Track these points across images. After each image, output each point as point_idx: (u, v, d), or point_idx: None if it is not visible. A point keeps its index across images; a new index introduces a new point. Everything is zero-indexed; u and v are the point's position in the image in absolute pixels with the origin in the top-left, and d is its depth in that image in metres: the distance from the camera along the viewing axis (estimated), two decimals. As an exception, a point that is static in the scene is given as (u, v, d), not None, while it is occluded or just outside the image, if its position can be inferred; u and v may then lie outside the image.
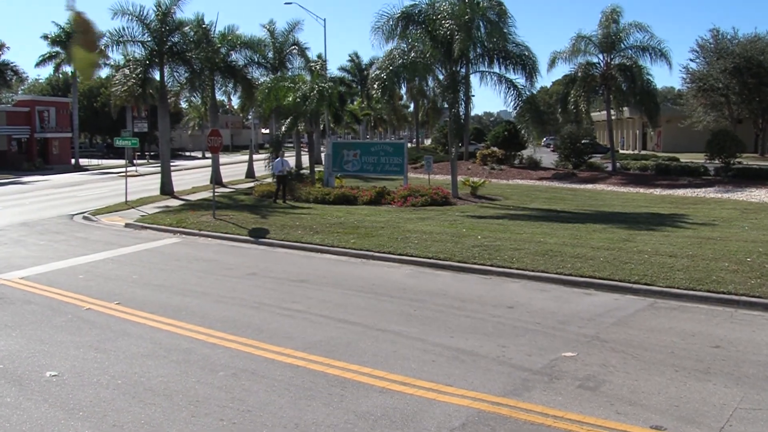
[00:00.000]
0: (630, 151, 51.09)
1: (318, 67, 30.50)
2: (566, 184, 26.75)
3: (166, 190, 22.94)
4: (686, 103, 44.23)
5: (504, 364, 5.90)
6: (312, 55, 35.38)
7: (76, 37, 2.89)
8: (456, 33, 17.98)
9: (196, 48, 23.37)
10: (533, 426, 4.66)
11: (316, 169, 26.48)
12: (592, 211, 17.47)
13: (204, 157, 53.68)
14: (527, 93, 19.35)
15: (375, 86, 19.57)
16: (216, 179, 23.48)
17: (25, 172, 37.52)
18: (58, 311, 7.88)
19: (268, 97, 24.31)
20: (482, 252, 10.73)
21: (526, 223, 14.28)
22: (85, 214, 17.70)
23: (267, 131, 52.81)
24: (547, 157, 35.31)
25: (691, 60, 43.02)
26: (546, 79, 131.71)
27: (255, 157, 33.71)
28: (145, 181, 29.13)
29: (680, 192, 22.90)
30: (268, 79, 27.46)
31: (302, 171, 26.96)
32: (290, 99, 23.59)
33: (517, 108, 19.69)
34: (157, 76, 23.37)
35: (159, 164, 25.56)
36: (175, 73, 23.59)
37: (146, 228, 15.26)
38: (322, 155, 30.17)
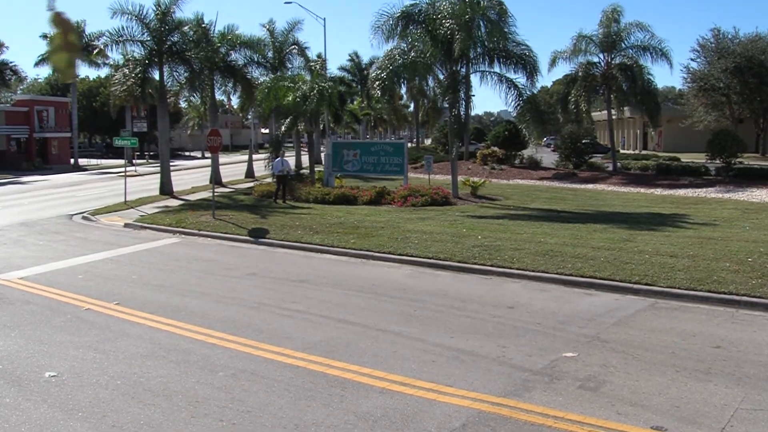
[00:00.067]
0: (631, 151, 51.08)
1: (318, 67, 30.53)
2: (567, 184, 26.72)
3: (166, 190, 22.92)
4: (687, 103, 44.21)
5: (504, 365, 5.88)
6: (312, 54, 35.41)
7: (55, 37, 2.88)
8: (456, 32, 17.96)
9: (195, 47, 23.35)
10: (534, 426, 4.64)
11: (315, 168, 26.46)
12: (593, 211, 17.46)
13: (203, 157, 53.66)
14: (528, 92, 19.33)
15: (375, 86, 19.55)
16: (215, 179, 23.46)
17: (24, 171, 37.48)
18: (57, 311, 7.86)
19: (268, 96, 24.29)
20: (482, 252, 10.72)
21: (527, 223, 14.26)
22: (85, 214, 17.68)
23: (267, 131, 52.76)
24: (548, 157, 35.29)
25: (692, 59, 43.05)
26: (546, 78, 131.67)
27: (255, 156, 33.68)
28: (145, 181, 29.11)
29: (681, 192, 22.88)
30: (267, 79, 27.44)
31: (302, 171, 26.97)
32: (290, 99, 23.57)
33: (518, 108, 19.66)
34: (157, 76, 23.35)
35: (158, 164, 25.55)
36: (174, 73, 23.58)
37: (145, 228, 15.25)
38: (322, 155, 30.16)
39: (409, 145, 47.99)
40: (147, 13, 22.10)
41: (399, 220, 14.69)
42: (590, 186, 25.97)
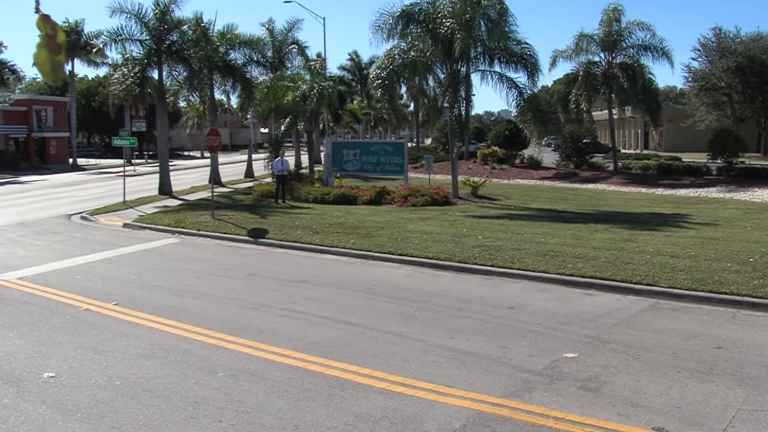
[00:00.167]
0: (632, 151, 51.08)
1: (317, 66, 30.47)
2: (567, 184, 26.70)
3: (165, 189, 22.89)
4: (688, 103, 44.21)
5: (505, 365, 5.87)
6: (311, 54, 35.35)
7: (42, 39, 2.87)
8: (457, 32, 17.94)
9: (194, 47, 23.31)
10: (534, 427, 4.63)
11: (315, 168, 26.43)
12: (594, 211, 17.43)
13: (203, 157, 53.66)
14: (529, 92, 19.26)
15: (375, 85, 19.52)
16: (215, 179, 23.43)
17: (22, 171, 37.44)
18: (56, 312, 7.84)
19: (267, 96, 24.24)
20: (483, 252, 10.70)
21: (527, 223, 14.24)
22: (83, 214, 17.64)
23: (266, 131, 52.74)
24: (549, 157, 35.26)
25: (693, 59, 43.14)
26: (547, 78, 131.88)
27: (254, 156, 33.65)
28: (144, 180, 29.08)
29: (682, 192, 22.84)
30: (267, 78, 27.40)
31: (302, 171, 26.92)
32: (289, 98, 23.53)
33: (519, 107, 19.61)
34: (156, 75, 23.30)
35: (157, 164, 25.53)
36: (173, 72, 23.54)
37: (144, 228, 15.22)
38: (322, 155, 30.12)
39: (409, 144, 47.96)
40: (146, 12, 22.08)
41: (399, 220, 14.66)
42: (591, 186, 25.94)
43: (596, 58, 30.48)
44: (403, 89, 51.26)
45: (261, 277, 9.86)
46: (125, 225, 15.79)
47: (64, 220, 17.03)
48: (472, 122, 56.28)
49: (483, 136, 48.08)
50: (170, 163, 25.73)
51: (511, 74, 19.28)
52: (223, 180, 27.96)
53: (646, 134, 56.29)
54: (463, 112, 19.78)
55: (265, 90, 24.58)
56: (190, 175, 33.41)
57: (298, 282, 9.44)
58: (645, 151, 48.15)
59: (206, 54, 23.79)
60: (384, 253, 11.11)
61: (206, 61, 24.14)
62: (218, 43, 26.01)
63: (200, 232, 14.12)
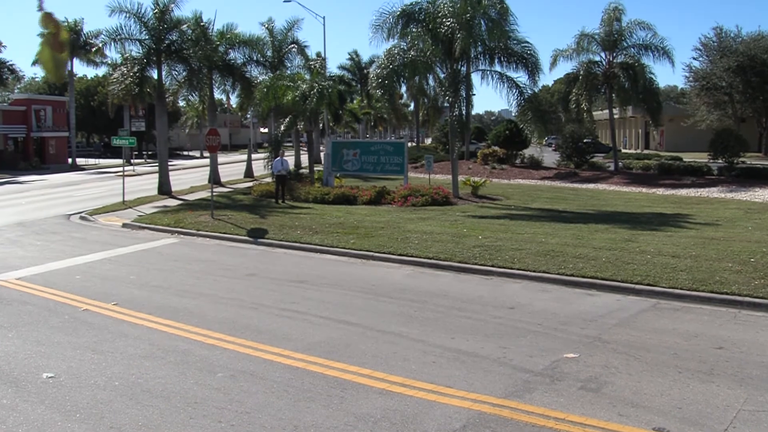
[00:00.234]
0: (632, 151, 51.06)
1: (317, 66, 30.46)
2: (568, 184, 26.68)
3: (164, 189, 22.87)
4: (689, 102, 44.17)
5: (505, 366, 5.85)
6: (311, 53, 35.34)
7: (45, 37, 2.87)
8: (457, 31, 17.92)
9: (194, 46, 23.28)
10: (535, 428, 4.62)
11: (315, 168, 26.40)
12: (594, 211, 17.42)
13: (202, 157, 53.63)
14: (529, 91, 19.23)
15: (375, 85, 19.50)
16: (214, 179, 23.39)
17: (21, 171, 37.40)
18: (54, 312, 7.82)
19: (267, 95, 24.21)
20: (483, 252, 10.68)
21: (528, 223, 14.22)
22: (82, 214, 17.62)
23: (266, 130, 52.75)
24: (549, 157, 35.24)
25: (694, 58, 43.06)
26: (548, 77, 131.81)
27: (254, 156, 33.62)
28: (143, 180, 29.05)
29: (683, 192, 22.83)
30: (266, 78, 27.37)
31: (301, 170, 26.89)
32: (289, 98, 23.50)
33: (519, 106, 19.57)
34: (155, 75, 23.27)
35: (157, 164, 25.50)
36: (173, 72, 23.52)
37: (144, 228, 15.20)
38: (322, 154, 30.10)
39: (410, 144, 47.92)
40: (145, 12, 22.06)
41: (399, 220, 14.65)
42: (592, 186, 25.92)
43: (597, 58, 30.47)
44: (403, 89, 51.24)
45: (260, 277, 9.84)
46: (124, 225, 15.77)
47: (63, 220, 17.00)
48: (473, 122, 56.29)
49: (483, 136, 48.02)
50: (169, 163, 25.72)
51: (512, 74, 19.28)
52: (223, 180, 27.93)
53: (646, 134, 56.28)
54: (463, 112, 19.77)
55: (265, 90, 24.55)
56: (189, 174, 33.39)
57: (298, 282, 9.42)
58: (646, 151, 48.14)
59: (206, 53, 23.77)
60: (384, 253, 11.09)
61: (206, 61, 24.12)
62: (218, 43, 25.98)
63: (200, 232, 14.10)
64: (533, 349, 6.31)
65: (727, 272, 8.91)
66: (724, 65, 37.41)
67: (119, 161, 35.82)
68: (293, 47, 31.66)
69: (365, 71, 45.36)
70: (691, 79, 42.31)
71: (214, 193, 17.85)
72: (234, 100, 38.44)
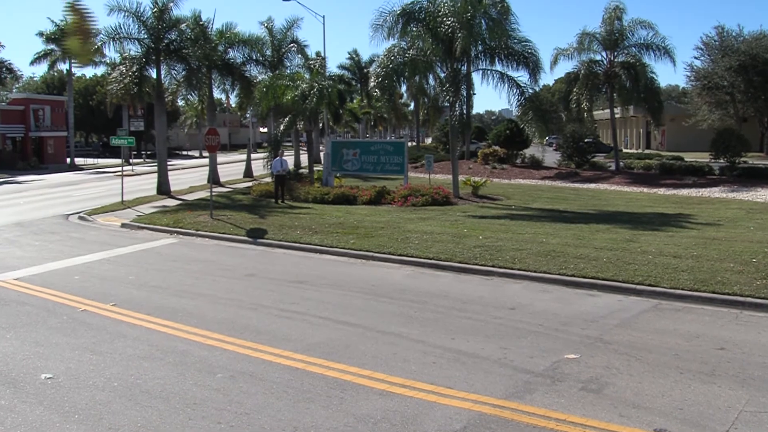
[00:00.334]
0: (634, 150, 51.01)
1: (317, 65, 30.40)
2: (569, 184, 26.67)
3: (163, 189, 22.84)
4: (691, 102, 44.13)
5: (506, 366, 5.83)
6: (311, 52, 35.30)
7: (72, 25, 2.87)
8: (458, 30, 17.90)
9: (193, 45, 23.25)
10: (535, 429, 4.60)
11: (315, 168, 26.38)
12: (595, 211, 17.40)
13: (201, 157, 53.62)
14: (530, 91, 19.19)
15: (375, 84, 19.47)
16: (213, 179, 23.36)
17: (20, 171, 37.37)
18: (53, 312, 7.79)
19: (267, 95, 24.18)
20: (484, 252, 10.66)
21: (529, 224, 14.20)
22: (81, 214, 17.59)
23: (265, 130, 52.71)
24: (550, 156, 35.23)
25: (695, 58, 42.87)
26: (549, 77, 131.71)
27: (253, 156, 33.59)
28: (142, 180, 29.02)
29: (684, 192, 22.81)
30: (266, 77, 27.34)
31: (301, 170, 26.86)
32: (289, 97, 23.47)
33: (520, 106, 19.54)
34: (154, 74, 23.25)
35: (155, 163, 25.47)
36: (172, 71, 23.50)
37: (143, 228, 15.17)
38: (321, 154, 30.07)
39: (410, 144, 47.90)
40: (144, 11, 22.04)
41: (399, 220, 14.62)
42: (593, 185, 25.91)
43: (598, 57, 30.45)
44: (404, 88, 51.23)
45: (260, 278, 9.82)
46: (123, 225, 15.74)
47: (62, 220, 16.97)
48: (473, 121, 56.19)
49: (484, 136, 48.02)
50: (169, 163, 25.69)
51: (513, 73, 19.25)
52: (222, 180, 27.91)
53: (648, 134, 56.26)
54: (464, 111, 19.72)
55: (264, 89, 24.51)
56: (188, 174, 33.37)
57: (297, 282, 9.39)
58: (647, 151, 48.10)
59: (205, 53, 23.74)
60: (384, 253, 11.07)
61: (205, 60, 24.09)
62: (217, 42, 25.95)
63: (199, 233, 14.07)
64: (534, 349, 6.29)
65: (729, 273, 8.89)
66: (725, 64, 37.35)
67: (118, 161, 35.81)
68: (293, 46, 31.63)
69: (365, 71, 45.34)
70: (692, 78, 42.25)
71: (214, 193, 17.83)
72: (233, 100, 38.40)
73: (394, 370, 5.74)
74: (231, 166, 37.28)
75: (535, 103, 19.42)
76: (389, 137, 67.83)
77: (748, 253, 10.15)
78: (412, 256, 10.75)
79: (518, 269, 9.64)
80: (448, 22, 18.25)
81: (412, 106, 62.40)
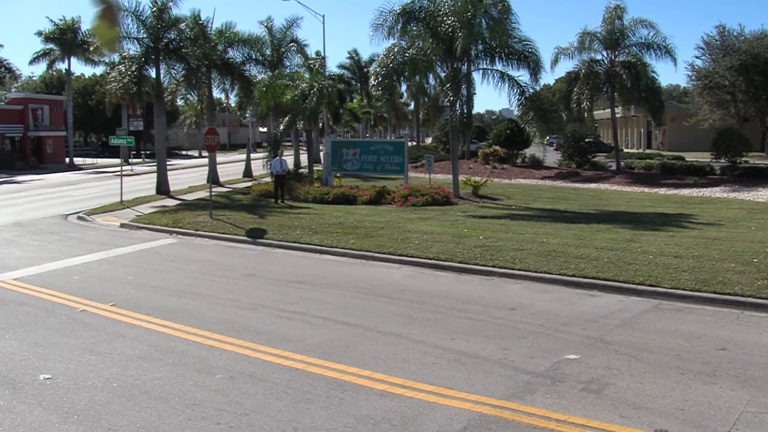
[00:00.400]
0: (634, 150, 50.97)
1: (317, 65, 30.40)
2: (570, 184, 26.65)
3: (162, 189, 22.81)
4: (692, 101, 44.01)
5: (506, 367, 5.81)
6: (311, 52, 35.28)
7: (99, 12, 2.87)
8: (458, 30, 17.88)
9: (192, 45, 23.23)
10: (536, 430, 4.59)
11: (314, 168, 26.35)
12: (596, 210, 17.38)
13: (201, 156, 53.59)
14: (531, 90, 19.17)
15: (375, 83, 19.45)
16: (213, 178, 23.31)
17: (18, 171, 37.34)
18: (52, 313, 7.78)
19: (266, 94, 24.16)
20: (484, 252, 10.64)
21: (529, 224, 14.18)
22: (80, 214, 17.56)
23: (265, 130, 52.68)
24: (550, 156, 35.20)
25: (696, 57, 42.65)
26: (549, 76, 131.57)
27: (253, 156, 33.57)
28: (141, 180, 29.00)
29: (685, 191, 22.79)
30: (266, 77, 27.31)
31: (301, 170, 26.84)
32: (288, 97, 23.45)
33: (520, 106, 19.51)
34: (153, 74, 23.23)
35: (155, 163, 25.45)
36: (171, 71, 23.47)
37: (142, 228, 15.14)
38: (321, 154, 30.05)
39: (410, 143, 47.89)
40: (143, 10, 22.03)
41: (399, 220, 14.60)
42: (593, 185, 25.89)
43: (599, 56, 30.40)
44: (404, 88, 51.24)
45: (259, 278, 9.80)
46: (122, 225, 15.71)
47: (61, 220, 16.94)
48: (473, 121, 56.18)
49: (484, 135, 47.98)
50: (168, 163, 25.67)
51: (513, 72, 19.23)
52: (222, 180, 27.88)
53: (649, 133, 56.20)
54: (464, 111, 19.69)
55: (264, 88, 24.49)
56: (187, 174, 33.35)
57: (297, 282, 9.37)
58: (648, 151, 48.04)
59: (204, 52, 23.72)
60: (384, 253, 11.05)
61: (204, 60, 24.07)
62: (216, 42, 25.92)
63: (198, 233, 14.05)
64: (534, 350, 6.27)
65: (730, 273, 8.87)
66: (726, 64, 37.23)
67: (117, 161, 35.79)
68: (292, 46, 31.61)
69: (365, 70, 45.31)
70: (693, 78, 42.11)
71: (213, 193, 17.80)
72: (233, 99, 38.42)
73: (394, 370, 5.73)
74: (230, 166, 37.27)
75: (536, 103, 19.41)
76: (389, 137, 67.80)
77: (749, 254, 10.13)
78: (412, 256, 10.73)
79: (519, 269, 9.62)
80: (449, 22, 18.23)
81: (412, 106, 62.41)
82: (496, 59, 19.30)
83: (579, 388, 5.30)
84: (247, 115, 48.27)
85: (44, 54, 42.15)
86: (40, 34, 41.54)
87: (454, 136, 20.87)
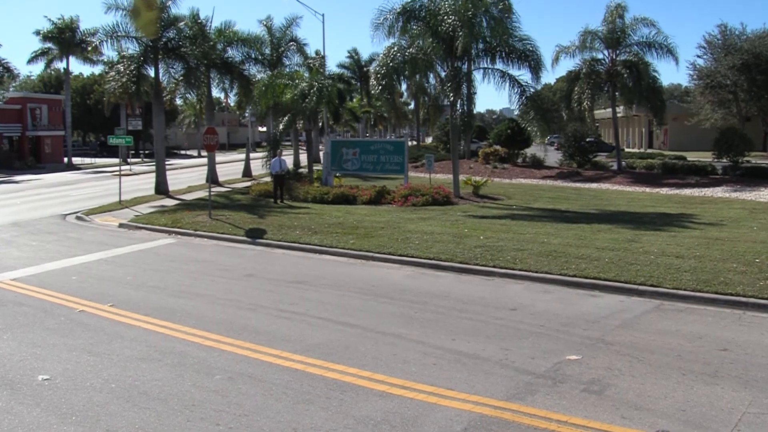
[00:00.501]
0: (636, 150, 50.95)
1: (316, 64, 30.39)
2: (570, 183, 26.63)
3: (161, 189, 22.78)
4: (693, 101, 43.96)
5: (507, 368, 5.78)
6: (310, 51, 35.23)
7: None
8: (458, 29, 17.85)
9: (191, 44, 23.19)
10: (537, 430, 4.58)
11: (314, 167, 26.34)
12: (597, 210, 17.36)
13: (200, 156, 53.57)
14: (531, 90, 19.13)
15: (375, 83, 19.41)
16: (212, 178, 23.22)
17: (17, 170, 37.30)
18: (50, 313, 7.75)
19: (266, 94, 24.14)
20: (484, 253, 10.61)
21: (530, 224, 14.15)
22: (78, 214, 17.53)
23: (264, 129, 52.68)
24: (551, 156, 35.18)
25: (698, 56, 42.60)
26: (550, 75, 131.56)
27: (252, 155, 33.53)
28: (140, 180, 28.97)
29: (687, 191, 22.76)
30: (265, 76, 27.28)
31: (300, 170, 26.82)
32: (288, 96, 23.43)
33: (521, 105, 19.47)
34: (152, 73, 23.18)
35: (153, 163, 25.41)
36: (170, 70, 23.44)
37: (141, 228, 15.11)
38: (321, 154, 30.02)
39: (410, 143, 47.86)
40: (143, 10, 21.93)
41: (399, 220, 14.58)
42: (594, 185, 25.86)
43: (600, 55, 30.35)
44: (404, 87, 51.20)
45: (259, 278, 9.77)
46: (121, 225, 15.68)
47: (59, 220, 16.91)
48: (474, 120, 56.13)
49: (485, 135, 47.96)
50: (167, 162, 25.62)
51: (514, 72, 19.19)
52: (221, 179, 27.85)
53: (650, 133, 56.17)
54: (465, 110, 19.65)
55: (264, 88, 24.47)
56: (186, 174, 33.32)
57: (297, 283, 9.35)
58: (649, 150, 48.03)
59: (203, 51, 23.68)
60: (384, 253, 11.02)
61: (203, 59, 24.03)
62: (216, 41, 25.89)
63: (197, 233, 14.02)
64: (535, 350, 6.24)
65: (732, 273, 8.85)
66: (728, 63, 37.17)
67: (116, 160, 35.74)
68: (292, 45, 31.59)
69: (365, 69, 45.27)
70: (695, 77, 42.05)
71: (212, 193, 17.77)
72: (232, 99, 38.36)
73: (394, 371, 5.70)
74: (230, 166, 37.25)
75: (537, 102, 19.37)
76: (389, 136, 67.80)
77: (751, 254, 10.11)
78: (412, 257, 10.70)
79: (519, 269, 9.60)
80: (449, 21, 18.21)
81: (412, 105, 62.41)
82: (497, 58, 19.27)
83: (580, 389, 5.28)
84: (247, 114, 48.26)
85: (42, 53, 42.11)
86: (38, 33, 41.51)
87: (454, 135, 20.84)
